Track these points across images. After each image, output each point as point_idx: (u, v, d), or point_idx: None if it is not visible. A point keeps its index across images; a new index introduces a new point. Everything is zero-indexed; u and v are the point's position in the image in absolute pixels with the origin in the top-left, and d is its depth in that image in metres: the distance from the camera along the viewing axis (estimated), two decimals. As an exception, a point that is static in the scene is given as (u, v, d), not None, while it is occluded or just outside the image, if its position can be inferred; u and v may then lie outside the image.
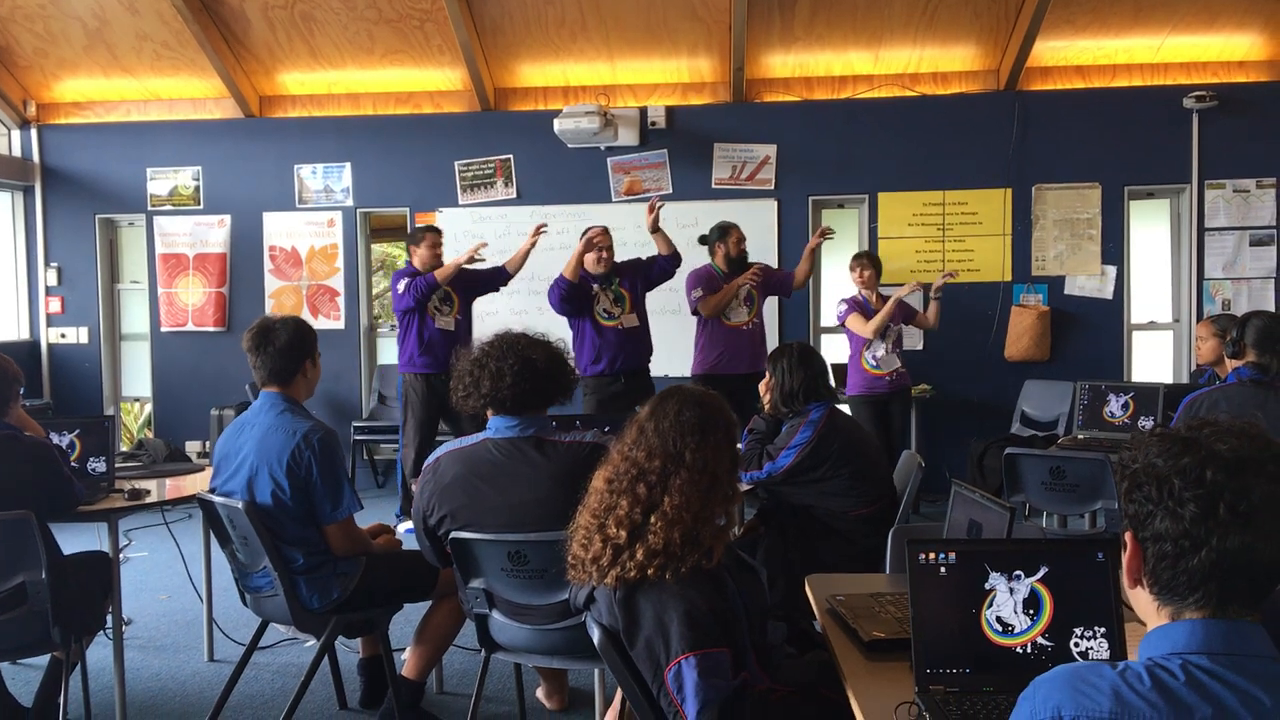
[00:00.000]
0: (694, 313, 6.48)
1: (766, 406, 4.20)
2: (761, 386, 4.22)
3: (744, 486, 3.95)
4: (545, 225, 6.65)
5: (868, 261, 6.67)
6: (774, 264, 7.75)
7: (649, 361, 6.41)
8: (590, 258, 6.18)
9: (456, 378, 3.15)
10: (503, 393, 3.04)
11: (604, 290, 6.23)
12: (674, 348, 7.27)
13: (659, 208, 6.36)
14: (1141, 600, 1.38)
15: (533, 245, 6.57)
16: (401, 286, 6.44)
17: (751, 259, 6.64)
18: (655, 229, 6.34)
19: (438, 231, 6.68)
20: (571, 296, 6.14)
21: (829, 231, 6.85)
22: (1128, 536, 1.37)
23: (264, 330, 3.55)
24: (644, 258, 6.50)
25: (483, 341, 3.17)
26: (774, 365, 4.13)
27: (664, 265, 6.42)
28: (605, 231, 6.28)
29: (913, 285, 6.70)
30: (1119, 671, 1.29)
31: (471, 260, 6.46)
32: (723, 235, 6.55)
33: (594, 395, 6.21)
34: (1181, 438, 1.34)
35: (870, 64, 7.92)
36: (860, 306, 6.56)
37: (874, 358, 6.48)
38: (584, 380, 6.26)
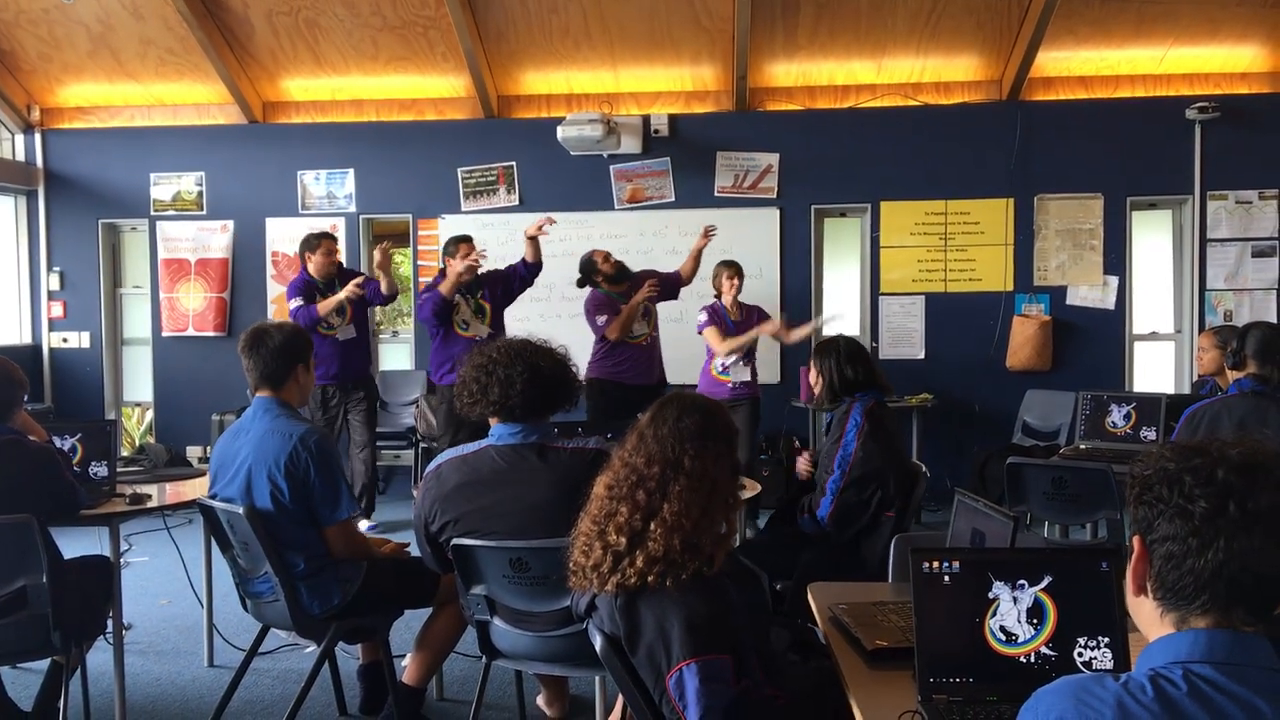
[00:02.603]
0: (601, 339, 6.51)
1: (817, 396, 4.10)
2: (813, 383, 4.14)
3: (824, 511, 3.91)
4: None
5: (736, 271, 6.62)
6: (775, 274, 7.77)
7: None
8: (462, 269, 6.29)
9: (462, 384, 3.14)
10: (513, 400, 3.04)
11: (465, 300, 6.35)
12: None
13: (546, 225, 6.46)
14: (1145, 610, 1.38)
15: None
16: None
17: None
18: (533, 237, 6.44)
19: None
20: (443, 311, 6.26)
21: (712, 230, 6.77)
22: (1135, 541, 1.37)
23: (258, 333, 3.56)
24: (503, 268, 6.60)
25: (488, 348, 3.17)
26: (822, 360, 4.05)
27: (524, 275, 6.57)
28: (471, 244, 6.41)
29: (773, 328, 6.62)
30: (1121, 683, 1.29)
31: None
32: (590, 266, 6.60)
33: (448, 404, 6.21)
34: (1193, 445, 1.35)
35: (873, 73, 7.93)
36: (719, 317, 6.55)
37: (721, 365, 6.52)
38: (439, 389, 6.44)
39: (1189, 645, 1.29)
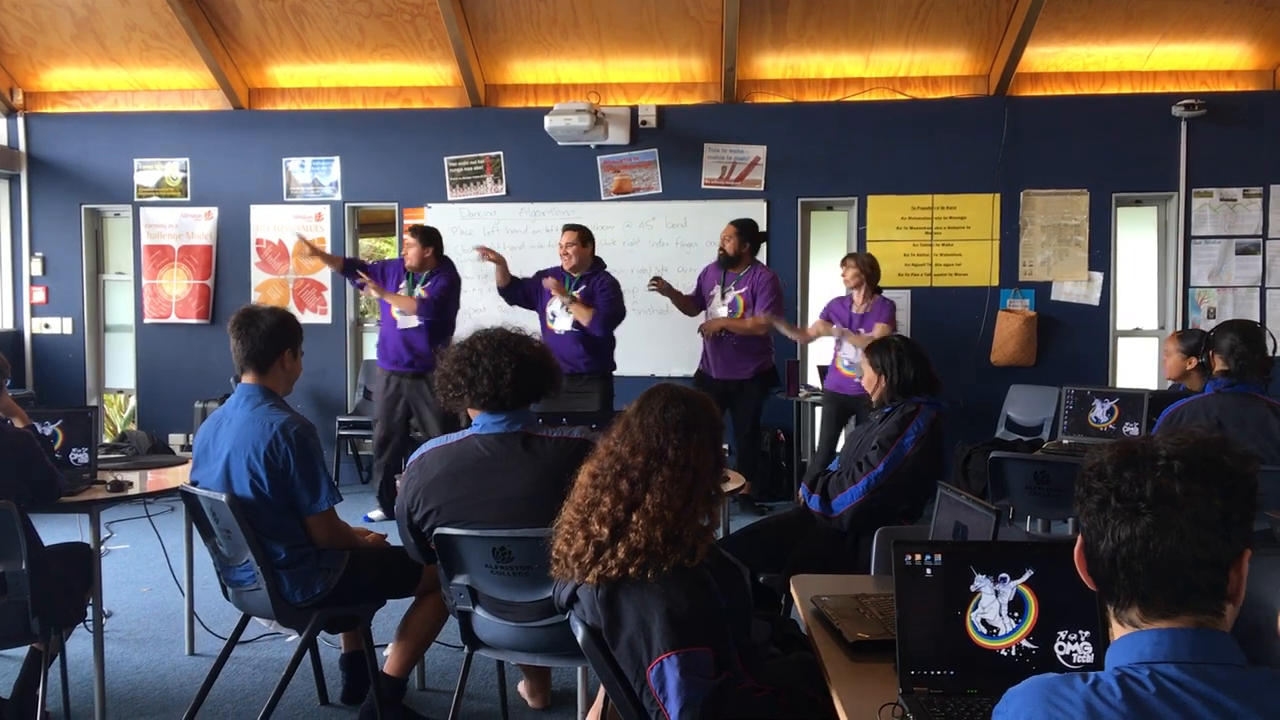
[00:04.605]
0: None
1: (875, 401, 4.07)
2: (865, 383, 4.12)
3: (846, 501, 3.86)
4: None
5: (852, 262, 6.57)
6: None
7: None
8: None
9: (445, 377, 3.11)
10: (503, 390, 3.03)
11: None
12: (662, 348, 7.40)
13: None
14: (1101, 599, 1.42)
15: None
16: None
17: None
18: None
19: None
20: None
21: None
22: (1079, 535, 1.43)
23: (248, 314, 3.53)
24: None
25: (468, 340, 3.15)
26: (880, 358, 4.01)
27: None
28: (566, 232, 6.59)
29: (838, 332, 6.53)
30: (1090, 684, 1.30)
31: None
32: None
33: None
34: (1113, 442, 1.41)
35: (861, 67, 7.93)
36: (835, 307, 6.61)
37: (847, 360, 6.47)
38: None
39: (1153, 645, 1.31)
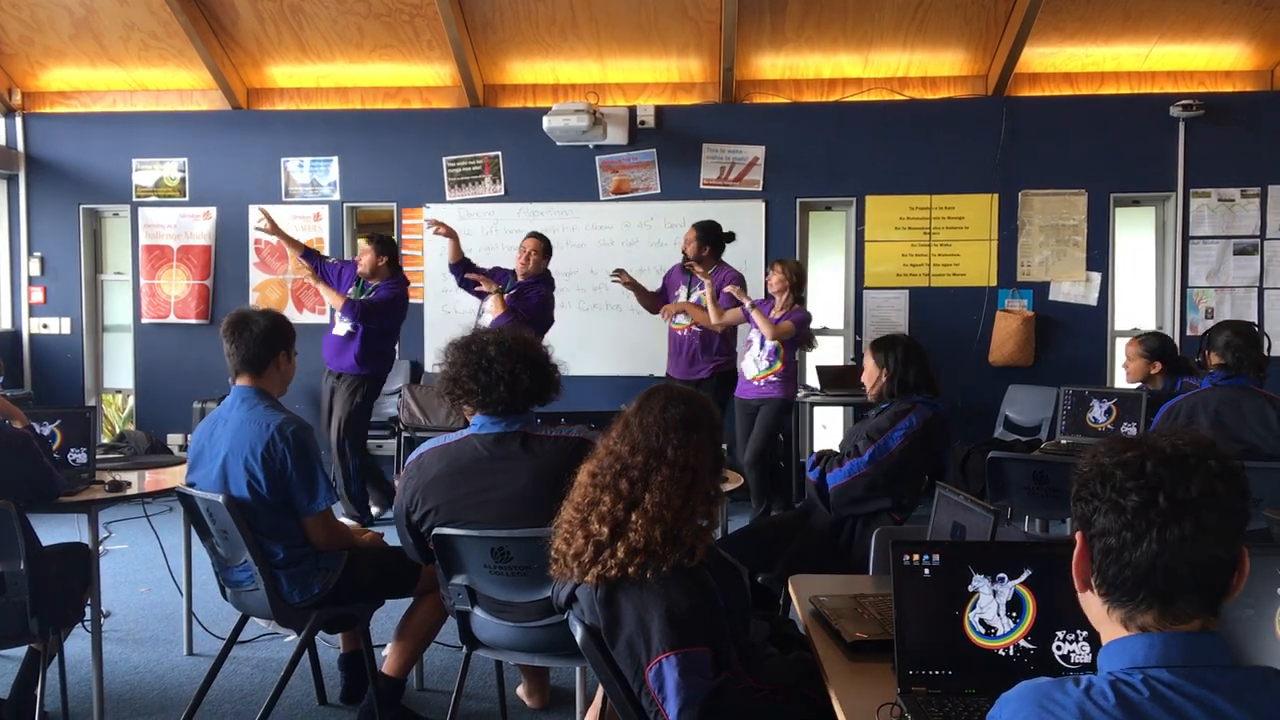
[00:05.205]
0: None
1: (871, 396, 4.09)
2: (865, 377, 4.13)
3: (835, 480, 3.91)
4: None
5: (780, 267, 6.39)
6: (760, 267, 7.74)
7: None
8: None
9: (454, 381, 3.07)
10: (520, 397, 3.03)
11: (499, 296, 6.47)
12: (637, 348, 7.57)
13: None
14: (1093, 606, 1.40)
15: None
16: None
17: (733, 263, 6.73)
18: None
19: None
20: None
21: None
22: (1077, 537, 1.40)
23: (241, 318, 3.54)
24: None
25: (473, 343, 3.11)
26: (883, 355, 4.03)
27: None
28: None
29: (749, 303, 6.30)
30: (1084, 689, 1.30)
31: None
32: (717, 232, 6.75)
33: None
34: (1127, 440, 1.38)
35: (860, 67, 7.93)
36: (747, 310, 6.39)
37: (751, 359, 6.40)
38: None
39: (1145, 650, 1.31)
